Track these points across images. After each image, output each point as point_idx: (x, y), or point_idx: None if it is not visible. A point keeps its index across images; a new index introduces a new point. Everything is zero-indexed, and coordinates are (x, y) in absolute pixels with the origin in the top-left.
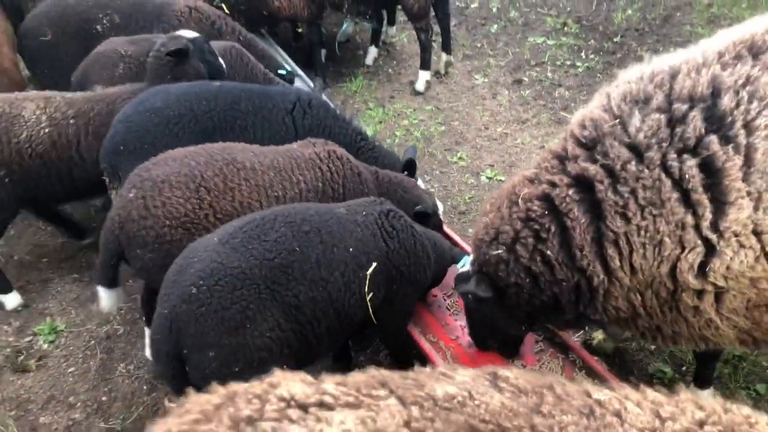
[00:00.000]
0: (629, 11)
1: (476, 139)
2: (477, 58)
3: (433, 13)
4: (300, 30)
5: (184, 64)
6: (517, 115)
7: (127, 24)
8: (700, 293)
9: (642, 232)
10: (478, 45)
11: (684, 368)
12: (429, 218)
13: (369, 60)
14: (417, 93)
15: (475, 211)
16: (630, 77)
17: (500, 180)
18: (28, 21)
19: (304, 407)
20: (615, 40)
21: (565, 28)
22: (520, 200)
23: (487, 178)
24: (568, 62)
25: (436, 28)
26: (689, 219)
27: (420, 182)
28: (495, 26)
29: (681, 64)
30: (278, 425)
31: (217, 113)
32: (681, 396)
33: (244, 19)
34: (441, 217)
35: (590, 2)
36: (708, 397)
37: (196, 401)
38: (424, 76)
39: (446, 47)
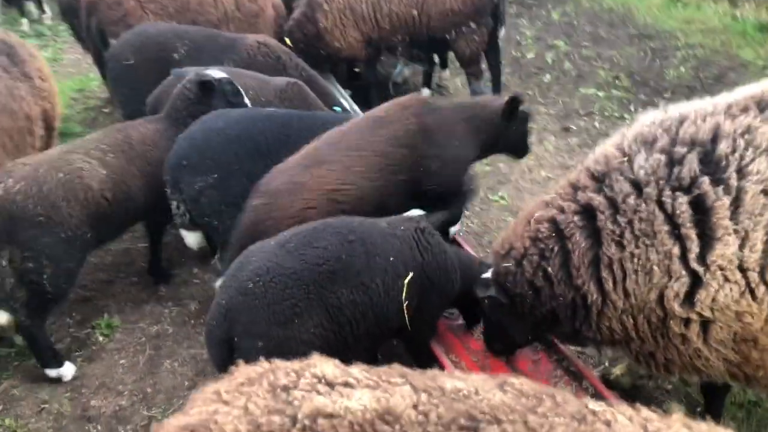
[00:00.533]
0: (682, 68)
1: (519, 180)
2: (527, 104)
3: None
4: (357, 70)
5: (206, 102)
6: (562, 161)
7: (201, 54)
8: (686, 322)
9: (635, 260)
10: (530, 93)
11: (699, 409)
12: None
13: None
14: None
15: None
16: (645, 120)
17: None
18: (114, 47)
19: (331, 384)
20: (665, 95)
21: (617, 81)
22: (532, 221)
23: None
24: (617, 114)
25: (488, 74)
26: (676, 250)
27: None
28: (548, 76)
29: (691, 112)
30: (307, 395)
31: (270, 133)
32: (673, 416)
33: (307, 57)
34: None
35: (644, 58)
36: None
37: (243, 369)
38: None
39: (496, 92)
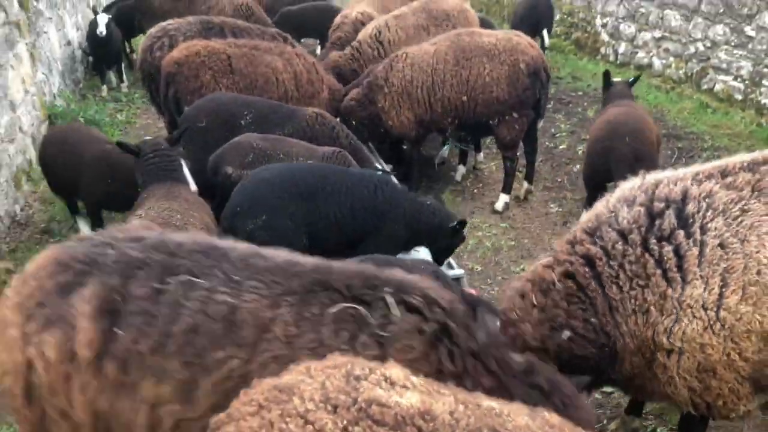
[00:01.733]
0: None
1: (541, 255)
2: (555, 190)
3: (521, 147)
4: (405, 146)
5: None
6: None
7: (265, 121)
8: (668, 352)
9: (632, 300)
10: (559, 180)
11: None
12: None
13: (458, 176)
14: (495, 212)
15: None
16: (626, 185)
17: None
18: (190, 110)
19: (393, 384)
20: None
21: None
22: (556, 282)
23: None
24: None
25: (523, 161)
26: (669, 291)
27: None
28: (578, 166)
29: (664, 178)
30: (371, 386)
31: (309, 182)
32: None
33: (366, 131)
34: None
35: (671, 156)
36: None
37: (333, 357)
38: (504, 198)
39: (529, 177)
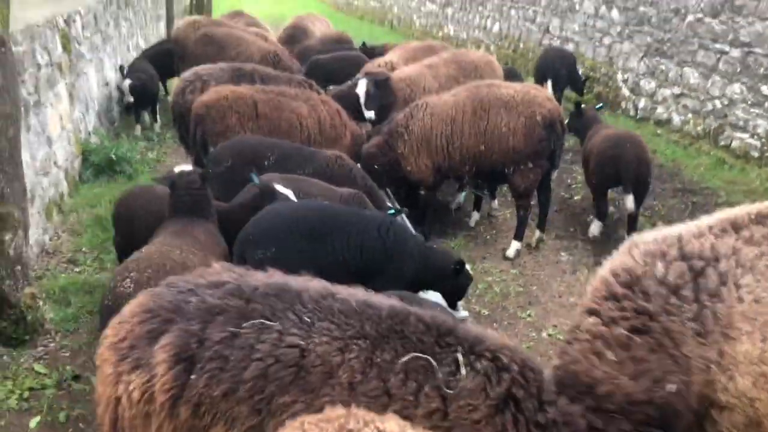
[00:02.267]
0: None
1: (548, 303)
2: (567, 239)
3: (535, 196)
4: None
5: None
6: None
7: (287, 162)
8: (722, 408)
9: (698, 359)
10: (571, 229)
11: None
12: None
13: (472, 222)
14: (506, 258)
15: None
16: (641, 239)
17: (559, 338)
18: (217, 150)
19: None
20: None
21: (654, 228)
22: (633, 337)
23: (548, 334)
24: None
25: (536, 209)
26: (726, 348)
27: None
28: (591, 217)
29: (683, 232)
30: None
31: (321, 221)
32: None
33: (385, 176)
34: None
35: (684, 210)
36: None
37: (329, 411)
38: (515, 245)
39: (541, 225)
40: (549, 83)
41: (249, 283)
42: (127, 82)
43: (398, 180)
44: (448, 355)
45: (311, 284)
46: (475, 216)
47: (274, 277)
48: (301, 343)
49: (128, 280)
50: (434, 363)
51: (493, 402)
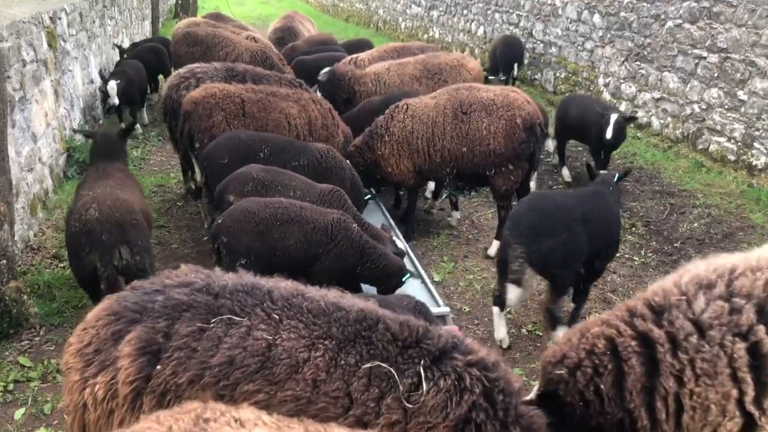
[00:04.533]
0: (695, 224)
1: (528, 301)
2: None
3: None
4: (401, 192)
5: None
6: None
7: (282, 154)
8: None
9: (694, 397)
10: None
11: None
12: None
13: (453, 221)
14: (488, 257)
15: (507, 355)
16: (698, 266)
17: (538, 334)
18: (211, 148)
19: (243, 424)
20: (675, 245)
21: (633, 229)
22: (589, 334)
23: (527, 331)
24: (627, 255)
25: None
26: (734, 392)
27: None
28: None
29: (739, 264)
30: (220, 427)
31: (594, 211)
32: None
33: (362, 176)
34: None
35: (662, 211)
36: None
37: (186, 405)
38: (496, 244)
39: None
40: (515, 67)
41: (217, 281)
42: (113, 83)
43: (376, 181)
44: (411, 366)
45: (281, 284)
46: (456, 215)
47: (245, 277)
48: (269, 337)
49: (92, 209)
50: (396, 375)
51: (452, 423)
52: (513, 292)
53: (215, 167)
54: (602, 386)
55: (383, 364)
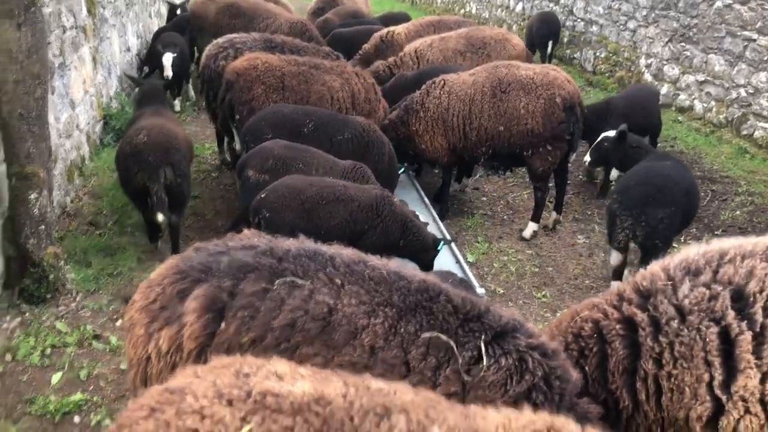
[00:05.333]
0: (738, 212)
1: (564, 284)
2: (584, 222)
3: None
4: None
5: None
6: (608, 274)
7: (324, 128)
8: None
9: (672, 379)
10: (589, 212)
11: None
12: None
13: (463, 188)
14: (522, 239)
15: None
16: (690, 251)
17: None
18: (254, 123)
19: (281, 377)
20: (716, 233)
21: None
22: (578, 317)
23: None
24: None
25: (553, 192)
26: (706, 376)
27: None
28: (608, 200)
29: (731, 249)
30: (261, 380)
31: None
32: None
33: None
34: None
35: (703, 198)
36: None
37: (217, 360)
38: (532, 226)
39: (558, 207)
40: (550, 44)
41: (281, 245)
42: (169, 54)
43: (409, 157)
44: (471, 340)
45: (343, 251)
46: (469, 182)
47: (306, 243)
48: (330, 302)
49: (141, 134)
50: (455, 346)
51: (510, 399)
52: (616, 258)
53: (258, 143)
54: (587, 368)
55: (443, 336)
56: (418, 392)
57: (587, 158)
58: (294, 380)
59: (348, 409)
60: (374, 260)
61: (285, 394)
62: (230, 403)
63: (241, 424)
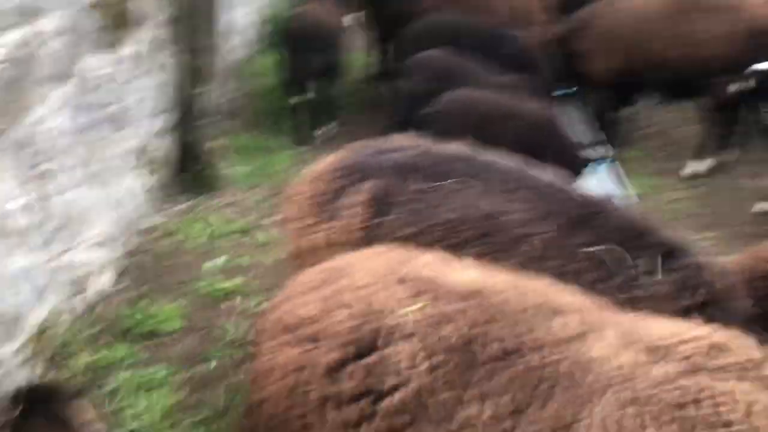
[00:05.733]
0: None
1: (723, 229)
2: (756, 167)
3: None
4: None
5: None
6: None
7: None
8: None
9: None
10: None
11: None
12: None
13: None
14: (683, 178)
15: None
16: None
17: None
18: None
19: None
20: None
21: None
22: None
23: None
24: None
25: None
26: None
27: None
28: None
29: None
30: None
31: None
32: None
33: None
34: None
35: None
36: None
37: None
38: (694, 165)
39: (726, 149)
40: None
41: (444, 148)
42: None
43: (569, 79)
44: (641, 254)
45: (506, 159)
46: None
47: (469, 148)
48: (490, 207)
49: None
50: (626, 254)
51: (681, 314)
52: None
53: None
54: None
55: (615, 247)
56: (590, 297)
57: None
58: (463, 270)
59: (522, 302)
60: (541, 171)
61: (454, 280)
62: (401, 281)
63: (412, 300)
